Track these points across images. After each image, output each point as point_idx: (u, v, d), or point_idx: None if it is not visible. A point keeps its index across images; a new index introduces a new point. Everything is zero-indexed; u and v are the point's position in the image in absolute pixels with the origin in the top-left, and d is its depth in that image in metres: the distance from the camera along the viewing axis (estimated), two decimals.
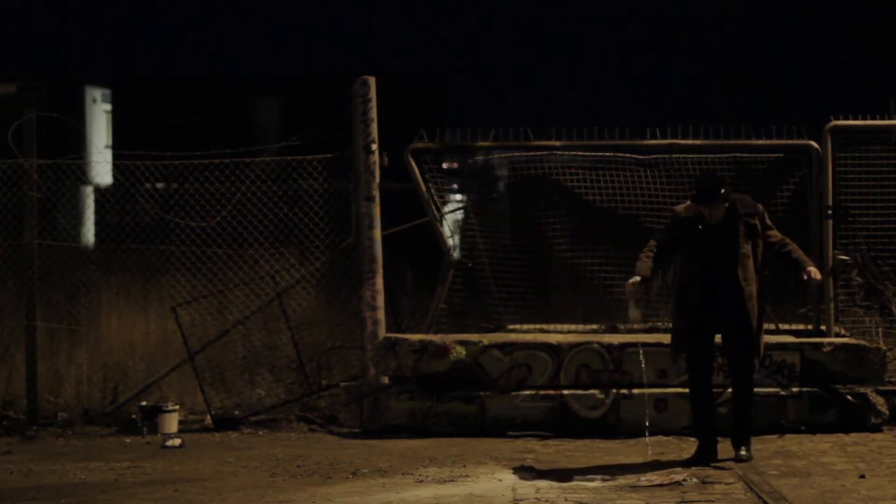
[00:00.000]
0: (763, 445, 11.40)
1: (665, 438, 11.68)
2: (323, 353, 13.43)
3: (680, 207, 10.75)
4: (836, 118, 12.90)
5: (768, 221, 10.57)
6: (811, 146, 12.89)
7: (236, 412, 13.09)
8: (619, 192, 13.20)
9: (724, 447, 11.38)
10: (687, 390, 11.72)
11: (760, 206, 10.56)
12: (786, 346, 12.28)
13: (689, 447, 11.18)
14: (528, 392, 12.29)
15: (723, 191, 10.33)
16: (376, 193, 12.90)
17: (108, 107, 53.86)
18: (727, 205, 10.37)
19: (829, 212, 12.77)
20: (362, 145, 12.93)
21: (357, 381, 12.93)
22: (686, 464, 10.47)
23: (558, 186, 13.36)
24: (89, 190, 26.74)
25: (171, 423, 12.82)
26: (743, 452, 10.58)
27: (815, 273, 10.55)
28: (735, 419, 10.70)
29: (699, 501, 9.21)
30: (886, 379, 12.46)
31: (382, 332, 12.79)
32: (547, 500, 9.32)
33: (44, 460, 11.41)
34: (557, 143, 13.17)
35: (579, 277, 13.54)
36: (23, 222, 13.26)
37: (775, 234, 10.57)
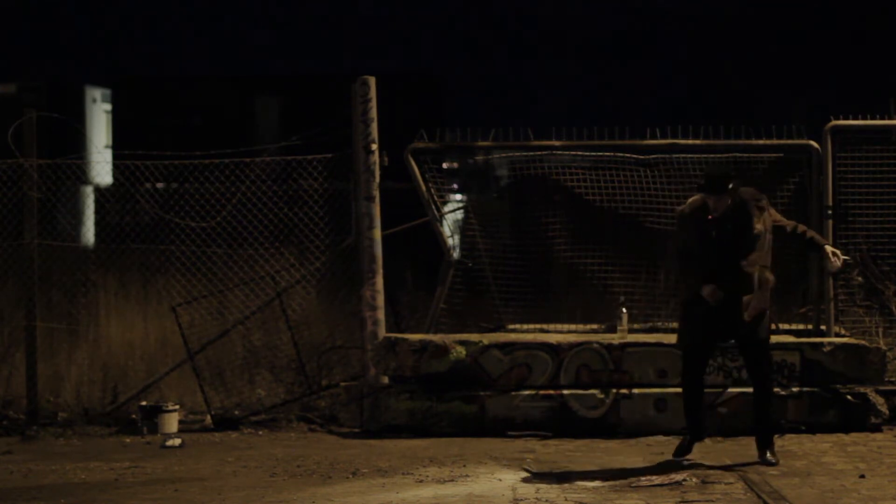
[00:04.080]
0: None
1: (665, 438, 11.68)
2: (323, 353, 13.44)
3: (682, 206, 10.76)
4: (836, 118, 12.89)
5: (774, 210, 10.58)
6: (811, 146, 12.89)
7: (236, 412, 13.09)
8: (620, 192, 13.19)
9: (727, 447, 11.39)
10: None
11: (766, 197, 10.57)
12: (786, 346, 12.28)
13: None
14: (528, 392, 12.30)
15: (730, 185, 10.35)
16: (376, 193, 12.90)
17: (108, 107, 53.90)
18: (732, 197, 10.37)
19: (829, 212, 12.77)
20: (362, 145, 12.94)
21: (357, 381, 12.94)
22: (677, 456, 10.58)
23: (558, 186, 13.35)
24: (89, 190, 26.73)
25: (171, 423, 12.82)
26: (768, 456, 10.50)
27: (831, 258, 10.47)
28: (754, 420, 10.69)
29: (699, 501, 9.21)
30: (886, 379, 12.46)
31: (382, 332, 12.80)
32: (547, 500, 9.32)
33: (44, 460, 11.41)
34: (557, 143, 13.17)
35: (579, 277, 13.53)
36: (23, 222, 13.27)
37: (785, 220, 10.59)
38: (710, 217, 10.39)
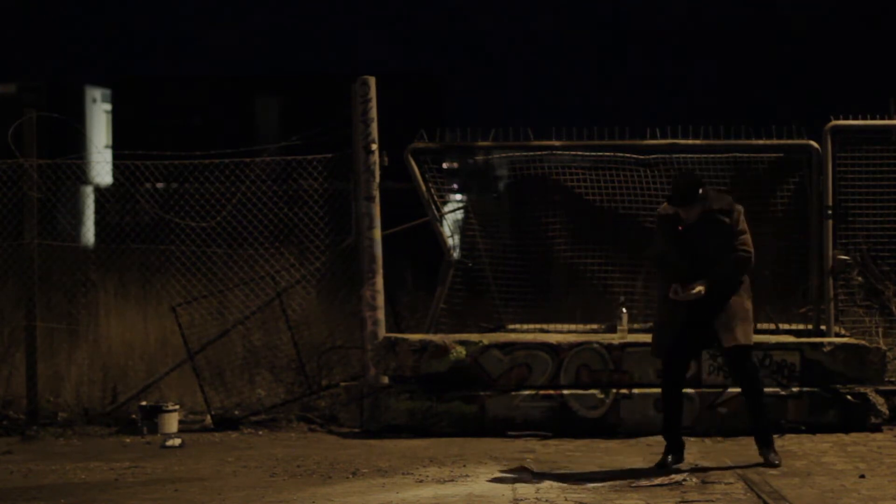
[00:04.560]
0: None
1: None
2: (323, 353, 13.44)
3: (660, 207, 10.68)
4: (836, 118, 12.89)
5: (742, 226, 10.29)
6: (811, 146, 12.89)
7: (236, 412, 13.09)
8: (620, 192, 13.19)
9: (727, 447, 11.40)
10: (689, 390, 11.72)
11: (739, 207, 10.35)
12: (786, 346, 12.28)
13: (688, 447, 11.18)
14: (528, 392, 12.29)
15: (700, 191, 10.22)
16: (376, 193, 12.91)
17: (108, 107, 53.90)
18: (703, 205, 10.23)
19: (829, 212, 12.77)
20: (362, 145, 12.94)
21: (357, 381, 12.94)
22: (659, 467, 10.40)
23: (558, 186, 13.35)
24: (89, 190, 26.74)
25: (171, 423, 12.82)
26: (771, 456, 10.42)
27: (686, 290, 10.20)
28: (751, 420, 10.60)
29: (699, 501, 9.21)
30: (886, 379, 12.46)
31: (382, 332, 12.80)
32: (547, 500, 9.32)
33: (44, 460, 11.41)
34: (557, 143, 13.17)
35: (579, 277, 13.53)
36: (23, 222, 13.27)
37: (741, 242, 10.29)
38: (679, 227, 10.31)
